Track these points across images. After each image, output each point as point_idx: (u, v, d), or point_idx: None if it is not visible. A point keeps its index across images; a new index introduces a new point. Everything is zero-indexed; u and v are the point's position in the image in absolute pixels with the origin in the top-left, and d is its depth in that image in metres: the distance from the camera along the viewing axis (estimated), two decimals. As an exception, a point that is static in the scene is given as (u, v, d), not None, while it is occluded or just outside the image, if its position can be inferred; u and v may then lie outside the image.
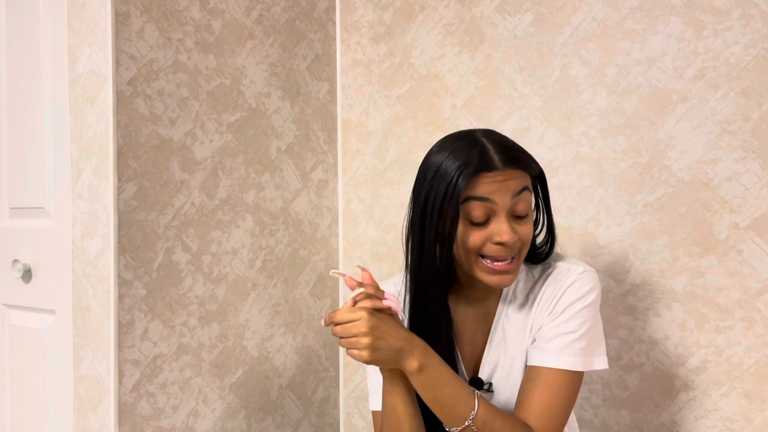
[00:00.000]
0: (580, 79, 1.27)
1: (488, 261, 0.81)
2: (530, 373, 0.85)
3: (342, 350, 1.63)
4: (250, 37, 1.37)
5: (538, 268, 0.92)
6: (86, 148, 1.15)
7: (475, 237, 0.81)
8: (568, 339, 0.83)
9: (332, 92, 1.62)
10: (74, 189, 1.18)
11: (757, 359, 1.10)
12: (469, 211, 0.80)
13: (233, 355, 1.32)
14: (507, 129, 1.35)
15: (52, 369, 1.26)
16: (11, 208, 1.37)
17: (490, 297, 0.92)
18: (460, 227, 0.81)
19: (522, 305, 0.90)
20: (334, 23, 1.63)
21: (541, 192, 0.89)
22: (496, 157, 0.79)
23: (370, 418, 1.58)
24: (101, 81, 1.11)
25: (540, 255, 0.91)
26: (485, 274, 0.82)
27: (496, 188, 0.78)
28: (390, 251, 1.54)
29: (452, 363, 0.88)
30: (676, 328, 1.17)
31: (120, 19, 1.11)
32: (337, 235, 1.63)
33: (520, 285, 0.91)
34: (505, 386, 0.90)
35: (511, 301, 0.91)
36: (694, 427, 1.15)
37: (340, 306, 1.63)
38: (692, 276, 1.16)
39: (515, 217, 0.81)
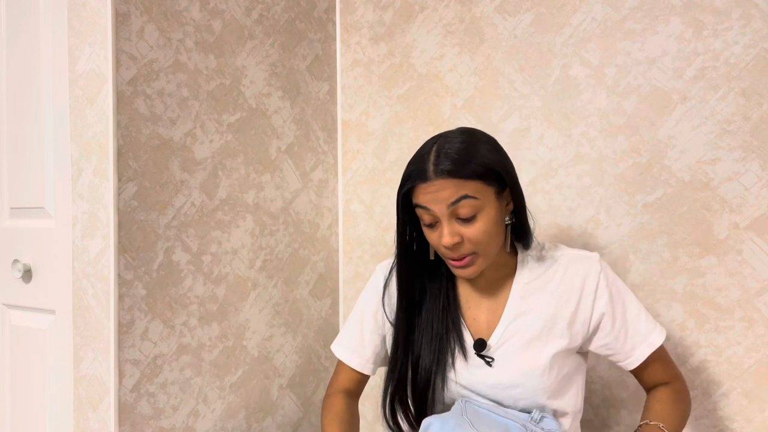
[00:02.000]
0: (580, 79, 1.27)
1: (447, 259, 0.92)
2: (644, 365, 0.97)
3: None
4: (251, 38, 1.37)
5: (548, 253, 1.00)
6: (86, 148, 1.15)
7: (431, 237, 0.92)
8: (641, 321, 0.97)
9: (332, 92, 1.62)
10: (74, 189, 1.18)
11: (757, 359, 1.10)
12: (421, 215, 0.91)
13: (233, 355, 1.32)
14: (507, 129, 1.35)
15: (52, 369, 1.26)
16: (11, 208, 1.37)
17: (503, 275, 0.99)
18: (424, 229, 0.93)
19: (537, 288, 0.97)
20: (334, 23, 1.63)
21: (512, 191, 0.93)
22: (430, 168, 0.86)
23: (370, 417, 1.58)
24: (101, 81, 1.11)
25: (527, 242, 0.99)
26: (452, 268, 0.93)
27: (430, 198, 0.87)
28: (390, 251, 1.54)
29: (457, 327, 0.97)
30: (675, 328, 1.17)
31: (120, 19, 1.11)
32: (337, 235, 1.63)
33: (533, 267, 0.99)
34: (512, 359, 0.94)
35: (525, 284, 0.98)
36: (694, 427, 1.15)
37: (340, 305, 1.64)
38: (692, 276, 1.16)
39: (460, 219, 0.88)
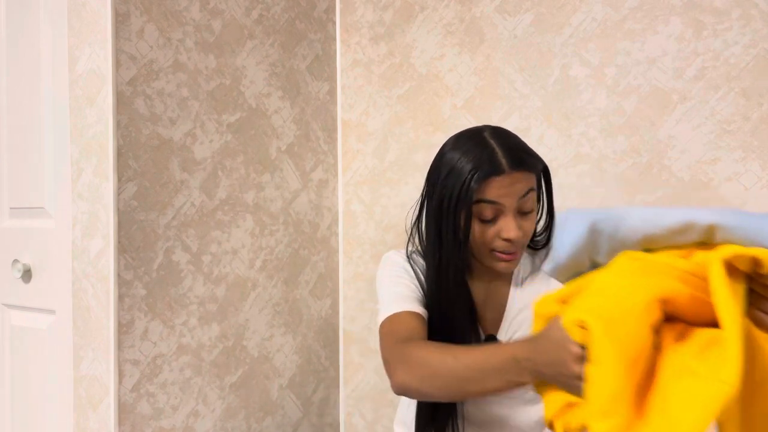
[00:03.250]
0: (580, 79, 1.27)
1: (496, 253, 0.90)
2: None
3: (342, 350, 1.63)
4: (250, 37, 1.37)
5: (540, 256, 1.01)
6: (86, 148, 1.15)
7: (485, 233, 0.89)
8: None
9: (332, 92, 1.62)
10: (74, 189, 1.18)
11: (757, 359, 1.10)
12: (480, 211, 0.87)
13: (233, 355, 1.32)
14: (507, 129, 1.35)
15: (52, 369, 1.26)
16: (11, 208, 1.37)
17: (501, 278, 1.00)
18: (472, 224, 0.89)
19: (532, 288, 0.99)
20: (334, 23, 1.63)
21: (545, 185, 0.96)
22: (503, 161, 0.85)
23: (370, 417, 1.58)
24: (101, 81, 1.11)
25: (539, 242, 1.00)
26: (493, 261, 0.91)
27: (504, 192, 0.85)
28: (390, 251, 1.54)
29: (474, 324, 0.96)
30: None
31: (120, 19, 1.11)
32: (337, 235, 1.63)
33: (527, 271, 1.00)
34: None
35: (521, 284, 1.00)
36: (694, 427, 1.15)
37: (340, 305, 1.64)
38: (692, 276, 1.16)
39: (521, 213, 0.88)
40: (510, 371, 0.69)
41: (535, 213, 0.91)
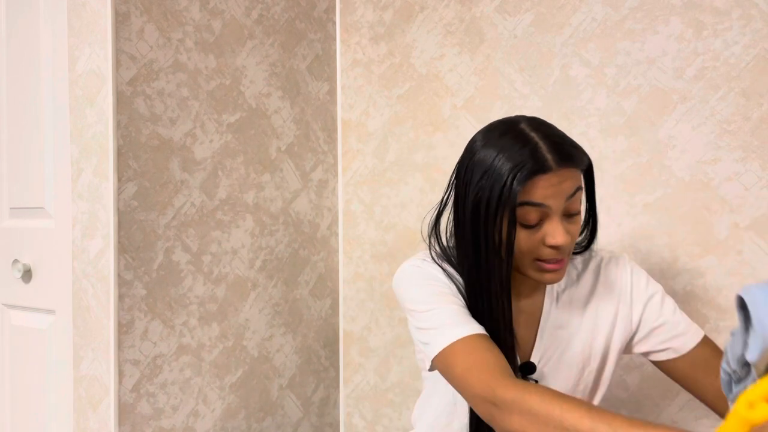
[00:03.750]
0: (580, 79, 1.27)
1: (541, 262, 0.79)
2: (693, 357, 0.85)
3: (342, 350, 1.63)
4: (250, 37, 1.37)
5: (577, 260, 0.92)
6: (86, 148, 1.15)
7: (528, 240, 0.77)
8: (680, 311, 0.87)
9: (332, 92, 1.62)
10: (74, 189, 1.18)
11: (757, 359, 1.10)
12: (523, 215, 0.76)
13: (233, 355, 1.32)
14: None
15: (52, 369, 1.26)
16: (11, 208, 1.37)
17: (532, 286, 0.90)
18: (512, 230, 0.77)
19: (572, 300, 0.89)
20: (334, 23, 1.63)
21: (588, 185, 0.85)
22: (549, 156, 0.73)
23: (370, 417, 1.58)
24: (101, 81, 1.11)
25: (578, 247, 0.90)
26: (537, 272, 0.80)
27: (551, 192, 0.74)
28: (390, 251, 1.54)
29: (512, 349, 0.82)
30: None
31: (120, 19, 1.11)
32: (337, 235, 1.63)
33: (564, 282, 0.91)
34: (557, 378, 0.89)
35: (558, 295, 0.89)
36: (694, 427, 1.15)
37: (340, 305, 1.64)
38: (692, 276, 1.16)
39: (567, 216, 0.78)
40: None
41: (581, 215, 0.80)
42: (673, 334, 0.86)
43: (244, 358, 1.35)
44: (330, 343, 1.61)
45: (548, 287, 0.89)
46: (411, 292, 0.85)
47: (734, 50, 1.11)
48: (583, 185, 0.79)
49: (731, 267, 1.12)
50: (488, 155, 0.76)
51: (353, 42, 1.60)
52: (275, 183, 1.43)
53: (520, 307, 0.89)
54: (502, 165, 0.74)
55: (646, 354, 0.89)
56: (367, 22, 1.58)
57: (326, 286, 1.60)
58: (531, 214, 0.75)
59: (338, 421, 1.64)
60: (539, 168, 0.73)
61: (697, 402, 1.15)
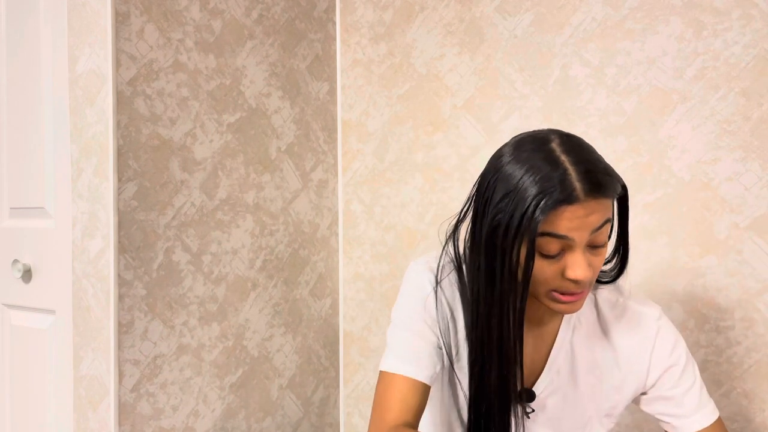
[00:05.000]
0: (580, 79, 1.27)
1: (557, 293, 0.74)
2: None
3: (342, 350, 1.63)
4: (250, 37, 1.37)
5: (602, 297, 0.87)
6: (86, 148, 1.15)
7: (547, 270, 0.73)
8: (698, 389, 0.83)
9: (332, 92, 1.62)
10: (74, 189, 1.18)
11: (757, 359, 1.10)
12: (544, 244, 0.71)
13: (233, 355, 1.32)
14: (507, 129, 1.35)
15: (52, 369, 1.26)
16: (11, 208, 1.37)
17: (554, 316, 0.85)
18: (530, 259, 0.72)
19: (589, 339, 0.85)
20: (334, 23, 1.63)
21: (621, 212, 0.79)
22: (578, 185, 0.68)
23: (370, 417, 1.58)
24: (101, 81, 1.11)
25: (604, 277, 0.85)
26: (553, 302, 0.75)
27: (576, 225, 0.69)
28: (390, 251, 1.54)
29: (513, 375, 0.79)
30: (676, 328, 1.17)
31: (120, 19, 1.11)
32: (337, 235, 1.63)
33: (586, 312, 0.86)
34: (555, 414, 0.85)
35: (576, 329, 0.85)
36: None
37: (340, 305, 1.64)
38: (692, 276, 1.16)
39: (591, 248, 0.73)
40: None
41: (607, 247, 0.74)
42: (678, 413, 0.83)
43: (244, 358, 1.35)
44: (330, 343, 1.61)
45: (565, 318, 0.85)
46: (400, 298, 0.85)
47: (734, 50, 1.11)
48: (613, 215, 0.74)
49: (731, 267, 1.12)
50: (513, 175, 0.71)
51: (353, 42, 1.60)
52: (275, 183, 1.43)
53: (532, 330, 0.84)
54: (527, 189, 0.69)
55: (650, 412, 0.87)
56: (367, 22, 1.58)
57: (326, 286, 1.60)
58: (552, 245, 0.71)
59: (338, 421, 1.64)
60: (566, 198, 0.67)
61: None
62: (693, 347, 1.15)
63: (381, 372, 0.81)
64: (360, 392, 1.60)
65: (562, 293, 0.73)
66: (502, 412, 0.78)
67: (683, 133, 1.16)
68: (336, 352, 1.63)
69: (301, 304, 1.52)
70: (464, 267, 0.84)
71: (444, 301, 0.83)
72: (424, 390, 0.79)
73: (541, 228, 0.69)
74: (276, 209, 1.44)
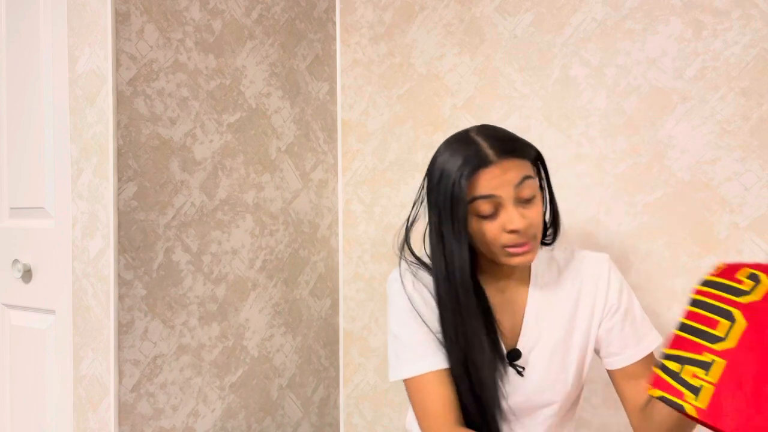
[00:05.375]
0: (580, 79, 1.27)
1: (508, 248, 0.85)
2: (630, 370, 0.92)
3: (342, 350, 1.63)
4: (250, 37, 1.37)
5: (559, 255, 0.98)
6: (86, 148, 1.15)
7: (491, 230, 0.85)
8: (641, 321, 0.93)
9: (332, 92, 1.62)
10: (74, 189, 1.18)
11: (757, 359, 1.10)
12: (477, 207, 0.84)
13: (233, 355, 1.32)
14: (507, 129, 1.35)
15: (52, 369, 1.26)
16: (11, 208, 1.37)
17: (517, 279, 0.96)
18: (474, 224, 0.86)
19: (554, 291, 0.95)
20: (334, 23, 1.63)
21: (543, 173, 0.93)
22: (490, 152, 0.83)
23: (370, 417, 1.58)
24: (101, 81, 1.11)
25: (546, 240, 0.96)
26: (507, 257, 0.86)
27: (496, 183, 0.82)
28: (390, 251, 1.54)
29: (494, 338, 0.90)
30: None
31: (120, 19, 1.11)
32: (337, 235, 1.63)
33: (545, 270, 0.96)
34: (541, 365, 0.93)
35: (541, 287, 0.95)
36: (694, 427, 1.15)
37: (340, 305, 1.64)
38: (692, 276, 1.16)
39: (522, 201, 0.84)
40: None
41: (539, 201, 0.86)
42: (610, 350, 0.94)
43: (244, 358, 1.35)
44: (330, 343, 1.61)
45: (532, 279, 0.95)
46: (389, 310, 0.96)
47: (734, 50, 1.11)
48: (533, 174, 0.86)
49: (731, 267, 1.12)
50: (443, 160, 0.86)
51: (353, 42, 1.60)
52: (275, 183, 1.43)
53: (506, 298, 0.95)
54: (452, 167, 0.84)
55: (597, 352, 0.96)
56: (367, 22, 1.58)
57: (326, 286, 1.60)
58: (484, 206, 0.83)
59: (338, 421, 1.64)
60: (480, 163, 0.82)
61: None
62: (693, 347, 1.15)
63: (406, 382, 0.91)
64: (360, 392, 1.60)
65: (512, 247, 0.85)
66: (491, 371, 0.88)
67: (683, 133, 1.16)
68: (336, 352, 1.63)
69: (301, 304, 1.52)
70: (428, 264, 0.95)
71: (425, 294, 0.93)
72: (448, 374, 0.88)
73: (469, 194, 0.83)
74: (276, 209, 1.44)
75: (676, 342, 0.71)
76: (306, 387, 1.53)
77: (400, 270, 0.96)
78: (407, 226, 0.96)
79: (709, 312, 0.69)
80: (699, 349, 0.68)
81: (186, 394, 1.22)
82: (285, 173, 1.46)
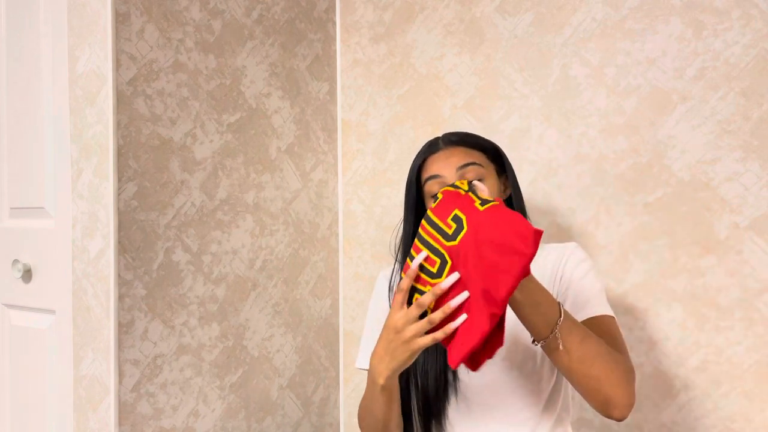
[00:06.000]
0: (580, 79, 1.27)
1: None
2: (591, 324, 0.93)
3: (342, 350, 1.63)
4: (250, 37, 1.37)
5: None
6: (86, 148, 1.15)
7: None
8: (588, 293, 0.95)
9: (332, 92, 1.62)
10: (74, 189, 1.18)
11: (757, 359, 1.10)
12: (430, 188, 0.97)
13: (233, 355, 1.32)
14: (507, 129, 1.35)
15: (52, 369, 1.26)
16: (11, 208, 1.37)
17: None
18: (429, 203, 0.99)
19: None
20: (334, 23, 1.63)
21: (504, 166, 1.01)
22: (440, 141, 0.99)
23: (370, 418, 1.58)
24: (101, 81, 1.11)
25: None
26: None
27: (441, 165, 0.96)
28: (390, 251, 1.54)
29: None
30: (676, 328, 1.17)
31: (120, 19, 1.11)
32: (337, 235, 1.63)
33: None
34: (516, 339, 0.96)
35: None
36: (694, 427, 1.15)
37: (340, 305, 1.64)
38: (692, 276, 1.16)
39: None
40: None
41: (488, 186, 0.94)
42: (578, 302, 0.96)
43: (244, 358, 1.35)
44: (330, 343, 1.61)
45: None
46: (369, 305, 1.10)
47: (734, 50, 1.11)
48: (481, 163, 0.96)
49: (731, 267, 1.12)
50: (414, 160, 1.02)
51: (353, 42, 1.60)
52: (275, 183, 1.43)
53: None
54: (415, 160, 1.01)
55: None
56: (367, 22, 1.58)
57: (326, 286, 1.60)
58: (433, 186, 0.96)
59: (338, 421, 1.64)
60: (430, 149, 0.99)
61: (697, 402, 1.15)
62: (693, 347, 1.15)
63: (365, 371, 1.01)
64: (360, 392, 1.60)
65: None
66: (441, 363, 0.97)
67: (683, 133, 1.16)
68: (336, 352, 1.63)
69: (301, 304, 1.52)
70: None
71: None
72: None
73: (422, 176, 0.98)
74: (276, 209, 1.44)
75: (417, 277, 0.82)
76: (306, 387, 1.53)
77: (393, 269, 1.06)
78: (403, 226, 1.03)
79: (429, 250, 0.80)
80: (425, 283, 0.80)
81: (186, 394, 1.22)
82: (285, 173, 1.47)
